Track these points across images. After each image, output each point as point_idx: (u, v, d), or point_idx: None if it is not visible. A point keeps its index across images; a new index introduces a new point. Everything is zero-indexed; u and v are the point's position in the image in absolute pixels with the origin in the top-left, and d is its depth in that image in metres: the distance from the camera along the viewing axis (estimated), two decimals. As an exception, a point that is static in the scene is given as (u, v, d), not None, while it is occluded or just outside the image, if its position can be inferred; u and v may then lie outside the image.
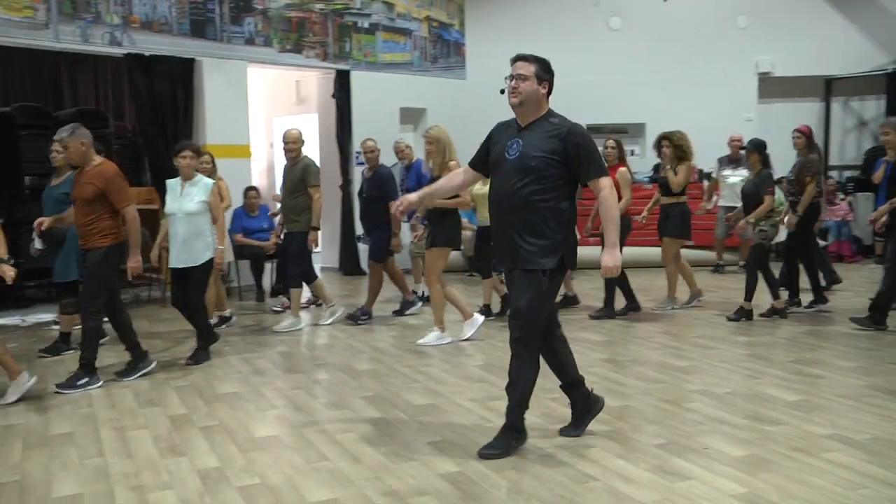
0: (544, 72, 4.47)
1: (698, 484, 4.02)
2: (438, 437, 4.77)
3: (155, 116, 9.94)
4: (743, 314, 8.09)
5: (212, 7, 10.47)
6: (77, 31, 9.43)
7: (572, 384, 4.79)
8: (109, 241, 6.08)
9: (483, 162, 4.69)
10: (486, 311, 8.41)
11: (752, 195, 8.12)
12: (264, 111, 13.72)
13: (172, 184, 6.92)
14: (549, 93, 4.52)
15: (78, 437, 4.98)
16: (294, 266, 8.07)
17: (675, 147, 8.61)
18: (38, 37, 9.19)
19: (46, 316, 8.93)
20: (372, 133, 11.59)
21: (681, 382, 5.94)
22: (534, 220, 4.37)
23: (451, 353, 6.99)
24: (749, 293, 8.12)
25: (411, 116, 12.74)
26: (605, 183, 4.43)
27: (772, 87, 13.95)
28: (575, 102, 12.59)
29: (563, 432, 4.78)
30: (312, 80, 12.62)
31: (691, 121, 12.66)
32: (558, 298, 7.03)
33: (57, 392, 5.90)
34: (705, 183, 11.94)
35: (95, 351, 6.16)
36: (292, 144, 7.95)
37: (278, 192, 9.25)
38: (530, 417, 5.05)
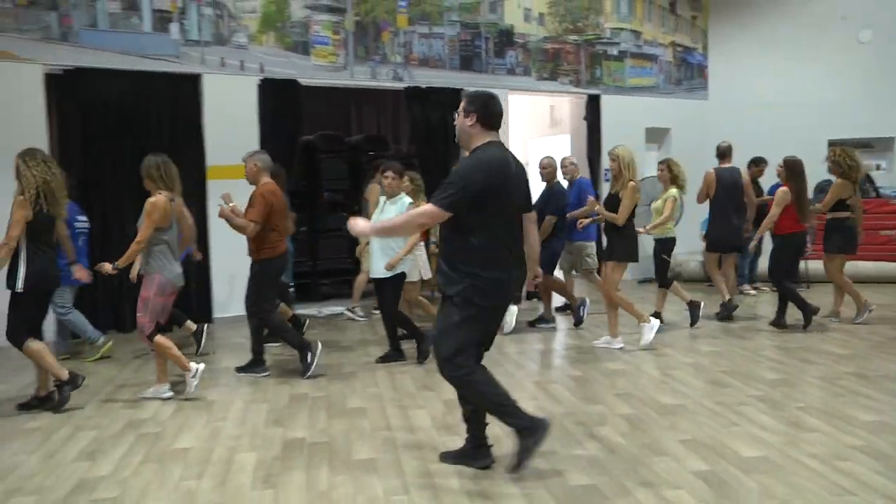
0: (469, 104, 4.10)
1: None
2: (688, 437, 4.67)
3: (428, 140, 10.35)
4: None
5: (479, 44, 10.81)
6: (368, 70, 10.08)
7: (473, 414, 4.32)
8: (268, 253, 6.39)
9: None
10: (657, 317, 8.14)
11: None
12: (522, 133, 13.92)
13: (380, 200, 7.11)
14: (481, 123, 4.10)
15: (369, 412, 5.34)
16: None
17: (833, 163, 8.04)
18: (338, 77, 9.89)
19: (338, 308, 9.55)
20: (619, 152, 11.50)
21: (938, 401, 5.38)
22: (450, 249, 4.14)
23: (696, 359, 6.79)
24: None
25: (656, 136, 12.52)
26: (425, 207, 4.10)
27: None
28: (817, 118, 11.99)
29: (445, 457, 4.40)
30: (565, 104, 12.70)
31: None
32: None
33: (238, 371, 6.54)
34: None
35: (297, 339, 6.58)
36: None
37: None
38: (779, 426, 4.86)
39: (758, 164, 9.80)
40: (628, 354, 6.95)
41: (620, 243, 7.13)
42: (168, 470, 4.38)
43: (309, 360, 6.35)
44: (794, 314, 7.92)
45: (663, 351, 7.07)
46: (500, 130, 11.48)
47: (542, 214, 8.03)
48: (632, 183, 6.97)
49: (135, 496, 4.01)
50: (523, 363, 6.77)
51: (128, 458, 4.59)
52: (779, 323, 7.94)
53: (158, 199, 5.81)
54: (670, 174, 8.05)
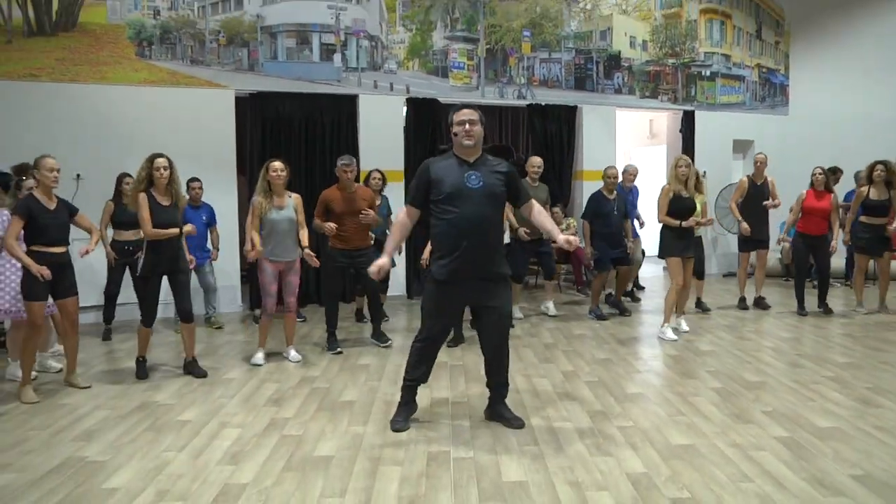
0: (482, 117, 4.27)
1: None
2: (770, 408, 4.72)
3: (545, 149, 10.47)
4: None
5: (590, 67, 10.88)
6: (496, 90, 10.31)
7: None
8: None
9: (424, 200, 4.26)
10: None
11: None
12: (624, 143, 13.89)
13: None
14: None
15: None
16: None
17: (889, 172, 7.74)
18: (471, 96, 10.11)
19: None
20: (707, 160, 11.50)
21: None
22: (498, 237, 4.32)
23: (778, 342, 6.76)
24: None
25: (741, 147, 12.29)
26: (538, 204, 4.52)
27: None
28: (889, 133, 11.50)
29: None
30: (663, 118, 12.60)
31: None
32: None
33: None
34: None
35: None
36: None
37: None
38: (849, 402, 4.85)
39: (834, 172, 9.55)
40: (717, 338, 6.99)
41: (662, 241, 7.14)
42: (338, 417, 4.63)
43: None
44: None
45: (747, 335, 7.08)
46: (609, 141, 11.55)
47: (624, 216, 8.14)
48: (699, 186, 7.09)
49: (315, 435, 4.29)
50: (626, 342, 6.90)
51: (305, 406, 4.88)
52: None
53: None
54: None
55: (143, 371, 5.80)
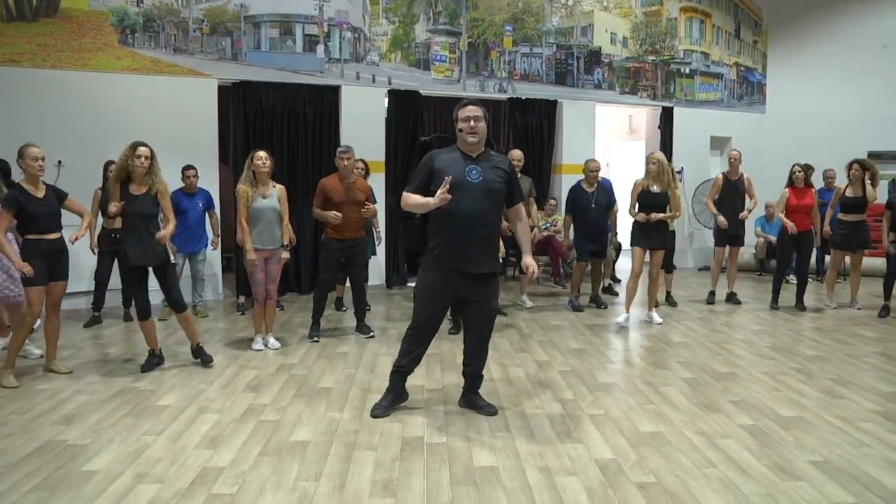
0: (486, 113, 4.27)
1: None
2: (738, 398, 4.82)
3: (526, 142, 10.51)
4: None
5: (571, 62, 10.95)
6: (477, 83, 10.34)
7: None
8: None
9: (425, 188, 4.23)
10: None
11: None
12: (604, 138, 13.99)
13: None
14: None
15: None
16: None
17: (866, 170, 7.92)
18: (452, 89, 10.18)
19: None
20: (685, 156, 11.62)
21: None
22: (495, 234, 4.31)
23: (749, 335, 6.88)
24: None
25: (719, 144, 12.42)
26: (525, 215, 4.51)
27: None
28: (860, 131, 11.76)
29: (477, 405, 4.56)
30: (642, 114, 12.70)
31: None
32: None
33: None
34: None
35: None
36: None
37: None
38: (813, 392, 4.96)
39: (807, 169, 9.68)
40: (689, 330, 7.10)
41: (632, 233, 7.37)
42: (315, 403, 4.67)
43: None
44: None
45: (720, 328, 7.19)
46: (589, 135, 11.63)
47: (607, 207, 8.16)
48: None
49: (292, 421, 4.33)
50: (600, 333, 6.99)
51: (283, 392, 4.92)
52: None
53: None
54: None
55: (149, 363, 5.66)
